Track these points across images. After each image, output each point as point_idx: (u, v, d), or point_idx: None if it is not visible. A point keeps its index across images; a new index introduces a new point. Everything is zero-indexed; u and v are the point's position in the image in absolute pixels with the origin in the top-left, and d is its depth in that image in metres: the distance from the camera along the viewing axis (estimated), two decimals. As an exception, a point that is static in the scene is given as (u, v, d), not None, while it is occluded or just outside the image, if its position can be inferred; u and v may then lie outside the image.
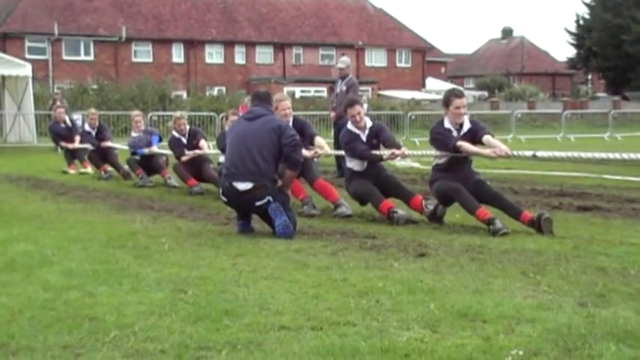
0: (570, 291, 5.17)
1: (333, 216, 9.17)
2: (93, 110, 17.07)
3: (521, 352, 3.89)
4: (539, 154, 8.43)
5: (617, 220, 8.61)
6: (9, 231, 8.20)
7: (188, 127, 13.08)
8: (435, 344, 4.06)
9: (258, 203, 7.82)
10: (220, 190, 8.23)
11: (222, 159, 11.10)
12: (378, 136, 9.13)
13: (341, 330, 4.35)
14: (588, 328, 4.25)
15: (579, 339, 4.07)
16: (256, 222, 8.18)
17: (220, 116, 28.90)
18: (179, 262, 6.37)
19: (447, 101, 8.29)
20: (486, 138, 8.12)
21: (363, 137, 9.11)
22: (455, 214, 8.61)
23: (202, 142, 12.89)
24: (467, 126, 8.24)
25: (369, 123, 9.23)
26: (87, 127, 16.34)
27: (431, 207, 8.64)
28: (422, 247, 6.89)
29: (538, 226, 7.60)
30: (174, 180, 13.37)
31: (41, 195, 12.12)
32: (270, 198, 7.79)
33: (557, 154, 8.84)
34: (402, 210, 8.70)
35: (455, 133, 8.19)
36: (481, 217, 7.86)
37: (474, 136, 8.17)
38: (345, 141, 9.27)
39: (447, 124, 8.28)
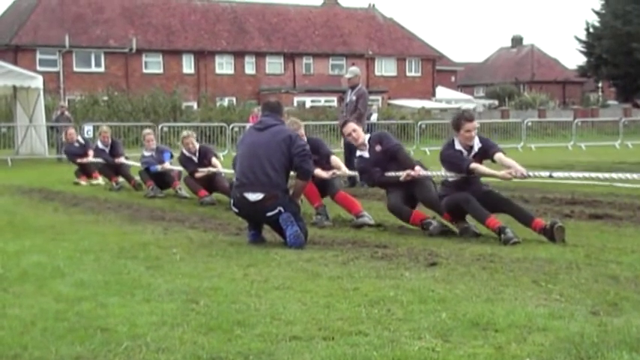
0: (582, 299, 5.15)
1: (360, 225, 9.09)
2: (105, 128, 17.06)
3: (533, 361, 3.89)
4: (555, 174, 8.64)
5: (629, 228, 8.58)
6: (21, 242, 8.23)
7: (198, 144, 12.95)
8: (447, 354, 4.06)
9: (269, 214, 7.83)
10: (231, 201, 8.25)
11: None
12: (381, 145, 9.02)
13: (352, 340, 4.35)
14: (601, 337, 4.24)
15: (592, 348, 4.05)
16: (267, 232, 8.19)
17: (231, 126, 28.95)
18: (190, 273, 6.38)
19: (457, 125, 8.23)
20: (498, 156, 8.13)
21: (366, 154, 9.06)
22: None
23: (214, 161, 12.70)
24: (477, 146, 8.23)
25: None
26: (100, 145, 16.33)
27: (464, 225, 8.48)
28: (433, 256, 6.88)
29: (551, 234, 7.57)
30: (184, 191, 13.38)
31: (53, 206, 12.16)
32: (282, 208, 7.80)
33: (573, 174, 8.99)
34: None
35: (465, 154, 8.18)
36: (491, 226, 7.83)
37: (485, 155, 8.18)
38: (359, 170, 9.28)
39: (458, 146, 8.25)
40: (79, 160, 17.23)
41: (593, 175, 8.77)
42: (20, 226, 9.77)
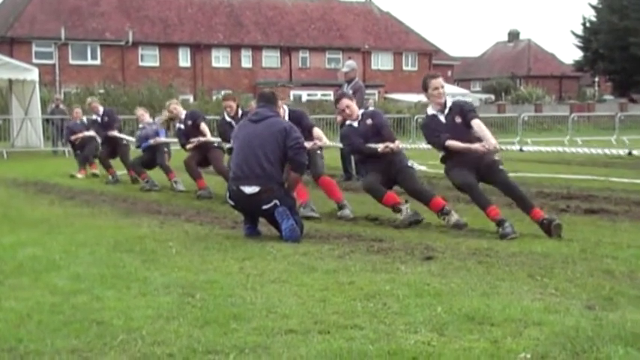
0: (578, 294, 5.16)
1: (338, 217, 9.23)
2: (93, 98, 17.09)
3: (528, 356, 3.89)
4: (525, 148, 9.15)
5: (624, 223, 8.59)
6: (17, 235, 8.22)
7: (184, 112, 13.11)
8: (443, 347, 4.06)
9: (265, 207, 7.82)
10: (227, 194, 8.25)
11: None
12: (372, 119, 9.27)
13: (348, 333, 4.35)
14: (596, 331, 4.24)
15: (587, 342, 4.06)
16: (263, 225, 8.19)
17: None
18: (186, 266, 6.38)
19: (424, 85, 8.39)
20: (476, 123, 8.14)
21: (355, 124, 9.27)
22: (462, 217, 8.59)
23: (203, 126, 12.82)
24: (449, 105, 8.30)
25: (360, 111, 9.40)
26: (93, 117, 16.37)
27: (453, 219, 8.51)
28: (429, 250, 6.89)
29: (547, 229, 7.57)
30: (180, 185, 13.38)
31: (48, 199, 12.14)
32: (277, 201, 7.79)
33: (542, 148, 9.46)
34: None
35: (442, 119, 8.22)
36: (492, 215, 7.81)
37: (464, 117, 8.18)
38: (341, 136, 9.65)
39: (431, 110, 8.38)
40: (72, 137, 17.20)
41: (561, 149, 9.24)
42: (16, 218, 9.76)
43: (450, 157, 8.29)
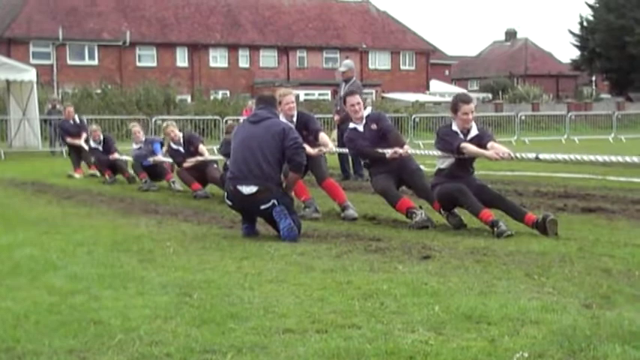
0: (575, 292, 5.16)
1: (342, 218, 9.18)
2: (94, 127, 17.03)
3: (526, 354, 3.89)
4: (541, 156, 8.57)
5: (621, 222, 8.59)
6: (14, 235, 8.22)
7: (180, 133, 13.02)
8: (440, 346, 4.06)
9: (262, 207, 7.83)
10: (225, 194, 8.25)
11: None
12: (377, 124, 9.13)
13: (346, 333, 4.35)
14: (593, 330, 4.25)
15: (584, 340, 4.06)
16: (261, 225, 8.18)
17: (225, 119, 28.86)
18: (184, 266, 6.38)
19: (454, 107, 8.25)
20: (491, 144, 8.14)
21: (360, 128, 9.14)
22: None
23: (201, 147, 12.75)
24: (474, 132, 8.24)
25: (366, 113, 9.29)
26: (92, 144, 16.32)
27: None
28: (426, 249, 6.89)
29: (543, 227, 7.58)
30: (178, 184, 13.37)
31: (46, 199, 12.14)
32: (275, 201, 7.80)
33: (559, 156, 8.93)
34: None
35: (461, 136, 8.19)
36: (485, 218, 7.84)
37: (480, 142, 8.17)
38: (346, 139, 9.41)
39: (455, 128, 8.27)
40: (68, 140, 17.22)
41: (579, 157, 8.72)
42: (13, 218, 9.75)
43: (444, 175, 8.31)
